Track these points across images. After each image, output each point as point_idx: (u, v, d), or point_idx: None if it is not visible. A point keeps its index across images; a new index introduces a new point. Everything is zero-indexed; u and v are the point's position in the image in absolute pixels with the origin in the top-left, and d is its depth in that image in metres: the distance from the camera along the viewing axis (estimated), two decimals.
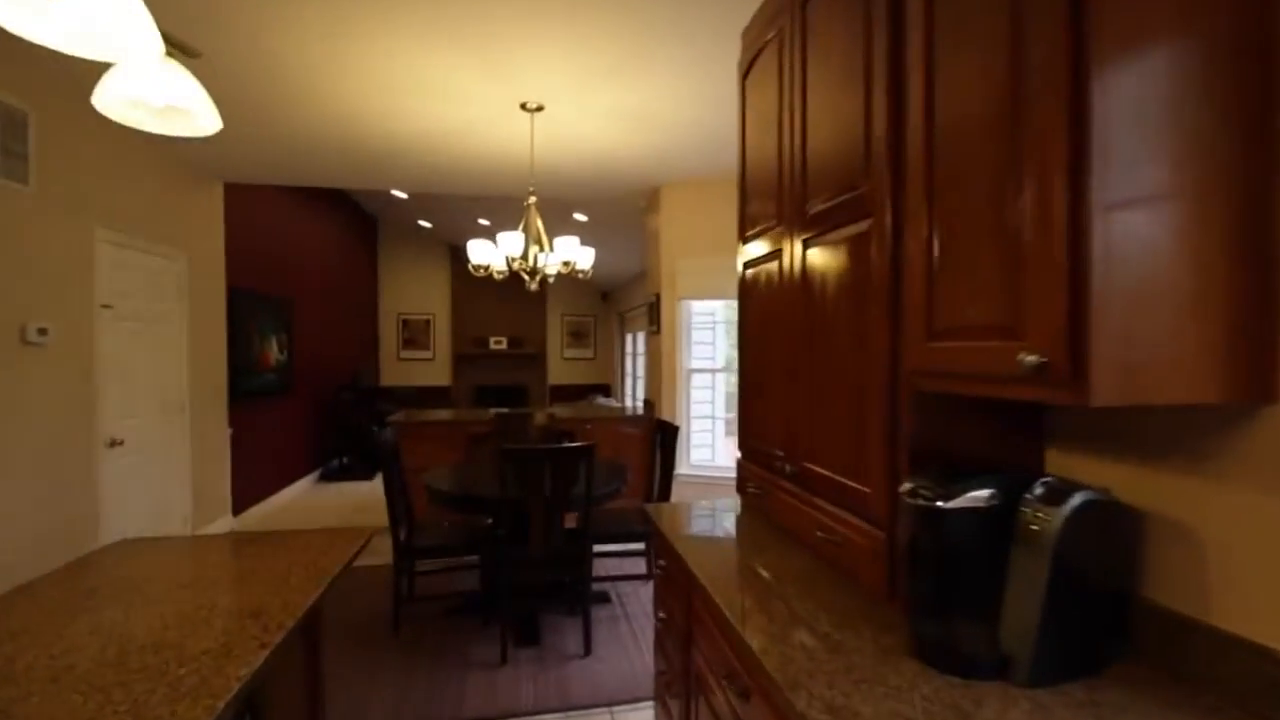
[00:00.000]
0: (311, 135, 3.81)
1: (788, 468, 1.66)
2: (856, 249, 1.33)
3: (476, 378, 10.87)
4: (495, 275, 3.38)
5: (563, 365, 11.40)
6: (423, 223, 9.49)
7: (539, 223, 3.23)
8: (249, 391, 5.66)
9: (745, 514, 1.96)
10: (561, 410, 5.43)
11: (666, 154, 4.07)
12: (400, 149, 4.01)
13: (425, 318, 10.76)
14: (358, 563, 4.23)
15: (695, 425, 4.76)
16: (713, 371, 4.79)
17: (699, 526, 1.87)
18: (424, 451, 4.66)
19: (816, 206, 1.51)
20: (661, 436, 3.51)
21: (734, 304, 4.90)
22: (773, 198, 1.78)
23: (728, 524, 1.91)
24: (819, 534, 1.47)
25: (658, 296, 4.80)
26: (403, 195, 7.83)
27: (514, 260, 3.00)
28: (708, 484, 4.64)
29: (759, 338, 1.93)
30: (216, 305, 4.67)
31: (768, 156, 1.82)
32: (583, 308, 11.48)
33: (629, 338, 10.02)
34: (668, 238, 4.70)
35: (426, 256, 10.72)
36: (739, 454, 2.11)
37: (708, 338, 4.80)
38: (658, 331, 4.83)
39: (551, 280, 3.44)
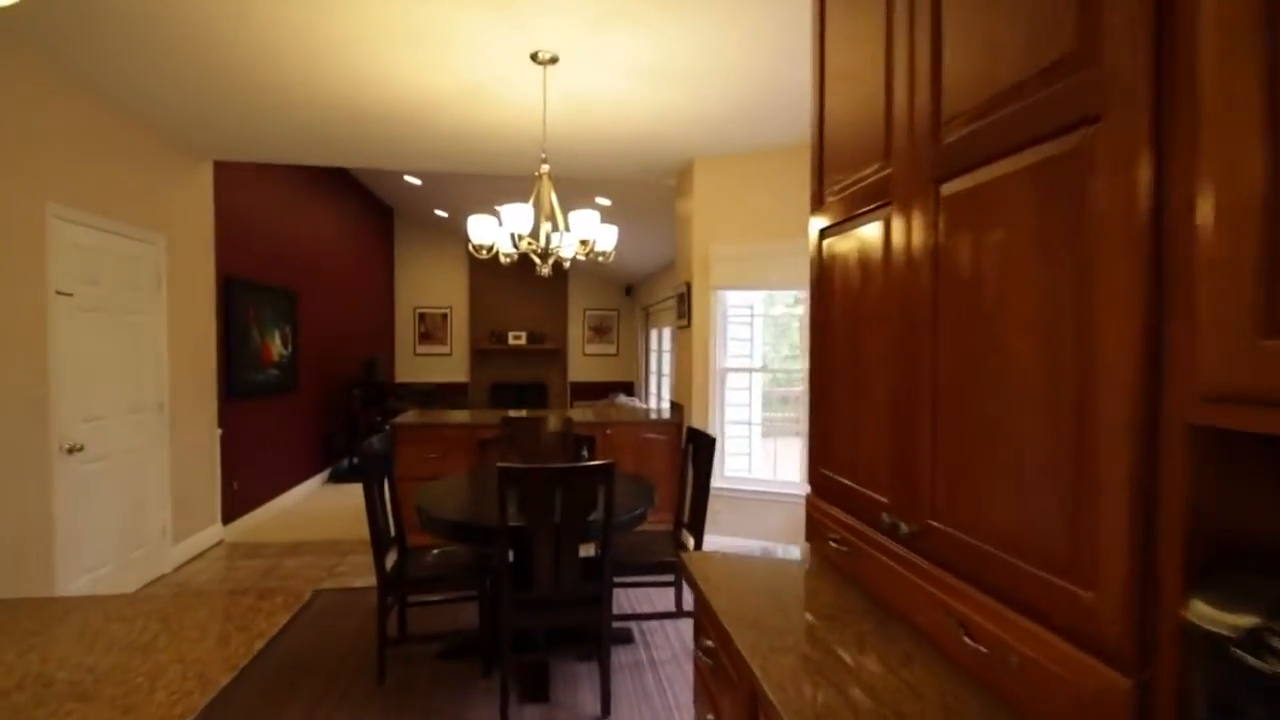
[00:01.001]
0: (304, 105, 3.36)
1: (902, 526, 1.12)
2: (1058, 181, 0.79)
3: (494, 374, 10.46)
4: (502, 259, 2.89)
5: (584, 362, 10.93)
6: (439, 212, 9.08)
7: (552, 196, 2.73)
8: (247, 389, 5.28)
9: (821, 577, 1.43)
10: (579, 412, 4.94)
11: (700, 122, 3.53)
12: (401, 118, 3.54)
13: (442, 311, 10.38)
14: (345, 584, 3.81)
15: (730, 431, 4.22)
16: (750, 371, 4.25)
17: (758, 594, 1.35)
18: (427, 458, 4.21)
19: (961, 130, 0.97)
20: (695, 448, 2.99)
21: (776, 295, 4.37)
22: (876, 135, 1.24)
23: (798, 590, 1.38)
24: (965, 640, 0.94)
25: (688, 286, 4.28)
26: (416, 181, 7.41)
27: (521, 239, 2.50)
28: (743, 499, 4.10)
29: (845, 331, 1.39)
30: (204, 295, 4.27)
31: (866, 78, 1.28)
32: (606, 302, 10.99)
33: (654, 334, 9.50)
34: (701, 220, 4.16)
35: (444, 248, 10.33)
36: (809, 487, 1.58)
37: (744, 333, 4.26)
38: (687, 325, 4.30)
39: (567, 264, 2.94)
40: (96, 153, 3.23)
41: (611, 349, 11.02)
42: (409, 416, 4.58)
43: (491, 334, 10.39)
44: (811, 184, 1.54)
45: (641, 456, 4.46)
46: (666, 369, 8.59)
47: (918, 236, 1.09)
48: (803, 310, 4.02)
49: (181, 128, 3.69)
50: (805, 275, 3.51)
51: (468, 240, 2.66)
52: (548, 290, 10.60)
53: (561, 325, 10.70)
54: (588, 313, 10.92)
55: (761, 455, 4.32)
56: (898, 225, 1.15)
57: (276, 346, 5.87)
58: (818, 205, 1.51)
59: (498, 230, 2.67)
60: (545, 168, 2.72)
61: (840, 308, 1.40)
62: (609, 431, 4.39)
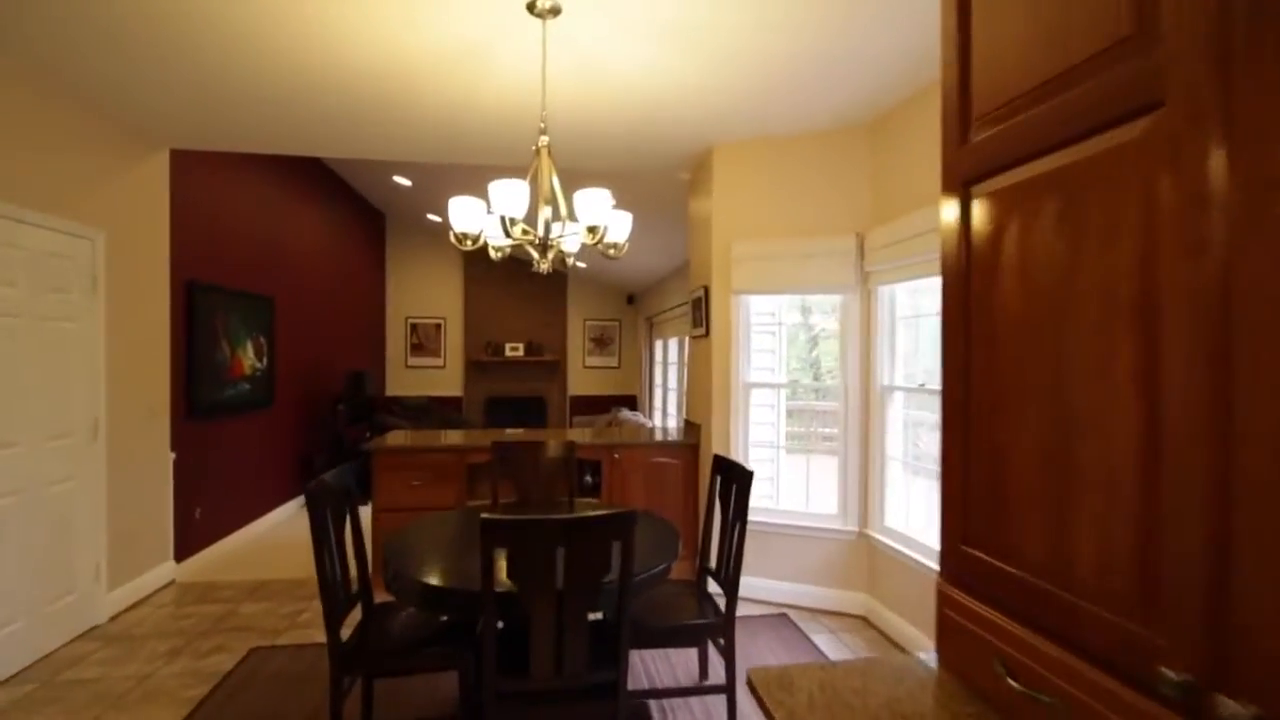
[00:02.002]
0: (270, 81, 2.86)
1: (1223, 705, 0.59)
2: None
3: (491, 388, 9.94)
4: (491, 253, 2.38)
5: (584, 375, 10.41)
6: (432, 216, 8.60)
7: (553, 177, 2.22)
8: (213, 406, 4.74)
9: None
10: (581, 433, 4.41)
11: (725, 95, 3.04)
12: (380, 93, 3.05)
13: (436, 321, 9.87)
14: (307, 636, 3.23)
15: (754, 454, 3.70)
16: (775, 387, 3.73)
17: None
18: (411, 486, 3.67)
19: None
20: (726, 482, 2.46)
21: (806, 301, 3.85)
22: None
23: None
24: None
25: (705, 291, 3.77)
26: (406, 182, 6.93)
27: (514, 226, 1.99)
28: (771, 534, 3.57)
29: (1028, 332, 0.87)
30: (156, 300, 3.75)
31: None
32: (607, 311, 10.49)
33: (659, 345, 8.99)
34: (721, 216, 3.66)
35: (437, 255, 9.84)
36: (940, 576, 1.05)
37: (767, 343, 3.75)
38: (705, 335, 3.79)
39: (570, 260, 2.42)
40: (7, 132, 2.73)
41: (613, 361, 10.50)
42: (392, 439, 4.05)
43: (487, 345, 9.87)
44: (948, 113, 1.02)
45: (653, 484, 3.93)
46: (673, 383, 8.07)
47: (1216, 164, 0.58)
48: (837, 318, 3.51)
49: (123, 106, 3.19)
50: (847, 276, 3.00)
51: (455, 239, 2.15)
52: (546, 299, 10.11)
53: (560, 336, 10.19)
54: (588, 323, 10.42)
55: (790, 483, 3.79)
56: (1159, 147, 0.64)
57: (249, 359, 5.34)
58: (958, 145, 1.00)
59: (485, 217, 2.16)
60: (545, 139, 2.22)
61: (1017, 296, 0.88)
62: (617, 456, 3.86)
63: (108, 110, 3.21)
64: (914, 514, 3.27)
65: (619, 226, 2.25)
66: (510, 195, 1.97)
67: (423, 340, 9.84)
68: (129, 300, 3.45)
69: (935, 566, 1.47)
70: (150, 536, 3.66)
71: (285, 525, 5.78)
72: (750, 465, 3.65)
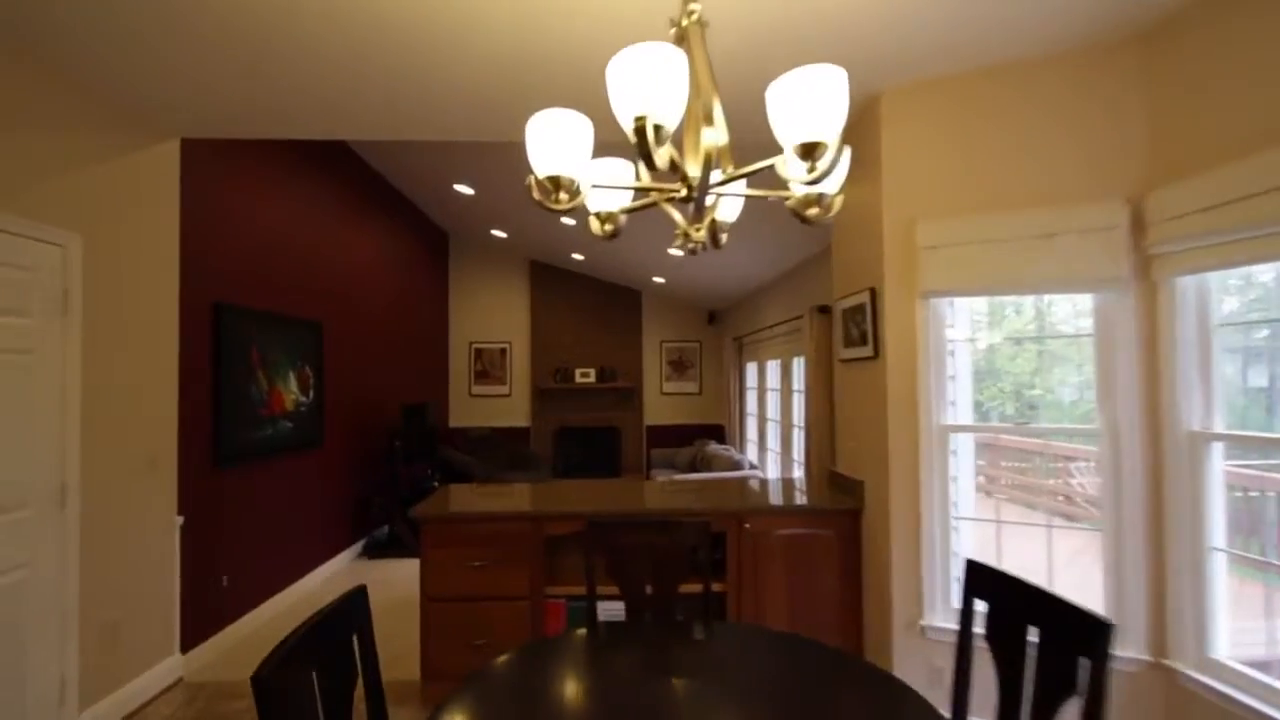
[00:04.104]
0: (296, 38, 2.04)
1: None
2: None
3: (560, 417, 9.06)
4: (595, 225, 1.39)
5: (662, 402, 9.39)
6: (496, 232, 7.88)
7: (711, 84, 1.21)
8: (247, 449, 3.99)
9: None
10: (685, 494, 3.36)
11: (900, 9, 1.99)
12: (433, 36, 2.17)
13: (501, 346, 9.12)
14: None
15: (954, 525, 2.54)
16: (989, 430, 2.58)
17: None
18: (469, 569, 2.71)
19: None
20: (1006, 619, 1.35)
21: (1000, 303, 2.65)
22: None
23: None
24: None
25: (871, 295, 2.67)
26: (468, 190, 6.19)
27: (658, 146, 1.00)
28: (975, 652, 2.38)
29: None
30: (159, 325, 2.99)
31: None
32: (685, 333, 9.47)
33: (750, 369, 7.87)
34: (898, 185, 2.57)
35: (502, 273, 9.13)
36: None
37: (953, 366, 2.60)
38: (874, 357, 2.68)
39: (724, 236, 1.39)
40: None
41: (693, 387, 9.45)
42: (453, 496, 3.13)
43: (556, 372, 9.02)
44: None
45: (798, 564, 2.82)
46: (772, 412, 6.92)
47: None
48: (1094, 321, 2.34)
49: (104, 70, 2.44)
50: (1109, 264, 1.86)
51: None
52: (619, 320, 9.21)
53: (635, 361, 9.24)
54: (665, 345, 9.43)
55: (1008, 556, 2.60)
56: None
57: (292, 392, 4.60)
58: None
59: (585, 145, 1.17)
60: (695, 7, 1.22)
61: None
62: (747, 526, 2.78)
63: (84, 76, 2.47)
64: (1250, 637, 2.04)
65: (840, 167, 1.21)
66: (652, 72, 0.97)
67: (487, 367, 9.10)
68: (118, 324, 2.68)
69: None
70: (144, 629, 2.84)
71: (342, 579, 4.98)
72: (959, 542, 2.50)
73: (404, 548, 5.72)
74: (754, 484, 3.55)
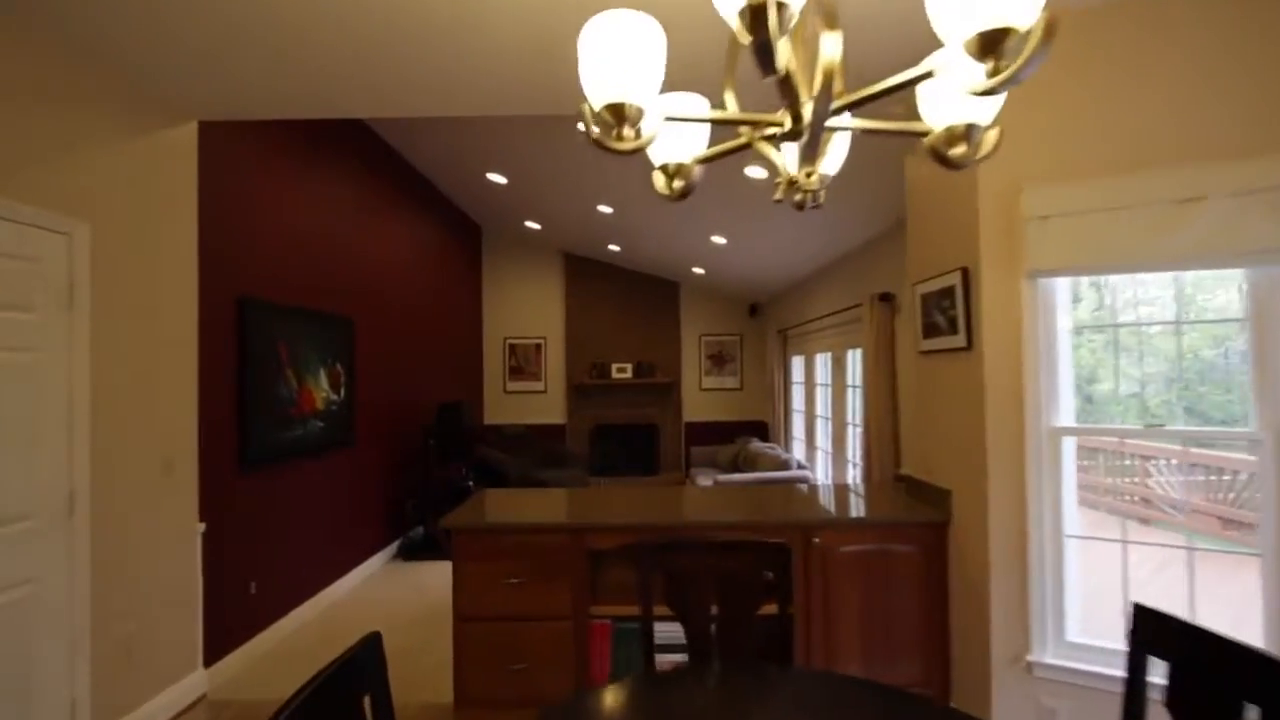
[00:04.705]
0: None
1: None
2: None
3: (596, 414, 8.81)
4: (659, 182, 1.09)
5: (701, 398, 9.05)
6: (530, 224, 7.65)
7: None
8: (276, 450, 3.83)
9: None
10: (739, 503, 3.04)
11: None
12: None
13: (536, 342, 8.91)
14: None
15: (1070, 546, 2.16)
16: (1091, 433, 2.19)
17: None
18: (505, 585, 2.45)
19: None
20: (1183, 686, 0.99)
21: (1146, 286, 2.15)
22: None
23: None
24: None
25: (963, 276, 2.30)
26: (501, 180, 5.95)
27: (778, 33, 0.71)
28: (1091, 692, 2.00)
29: None
30: (176, 319, 2.80)
31: None
32: (725, 325, 9.11)
33: (795, 363, 7.48)
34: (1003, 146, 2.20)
35: (536, 267, 8.91)
36: None
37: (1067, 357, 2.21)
38: (966, 348, 2.31)
39: (821, 195, 1.07)
40: None
41: (734, 382, 9.09)
42: (477, 510, 2.89)
43: (593, 367, 8.77)
44: None
45: (873, 585, 2.48)
46: (821, 409, 6.52)
47: None
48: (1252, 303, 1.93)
49: (118, 54, 2.24)
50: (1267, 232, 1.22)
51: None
52: (656, 313, 8.90)
53: (674, 355, 8.92)
54: (704, 339, 9.08)
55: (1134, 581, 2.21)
56: None
57: (322, 391, 4.43)
58: None
59: (655, 72, 0.86)
60: None
61: None
62: (816, 540, 2.45)
63: (91, 51, 2.27)
64: None
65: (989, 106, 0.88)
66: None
67: (522, 363, 8.91)
68: (130, 319, 2.49)
69: None
70: (163, 643, 2.66)
71: (375, 583, 4.82)
72: (1069, 563, 2.13)
73: (439, 550, 5.54)
74: (808, 489, 3.21)
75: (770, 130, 0.92)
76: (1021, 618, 2.16)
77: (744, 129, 0.94)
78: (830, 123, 0.91)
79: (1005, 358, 2.20)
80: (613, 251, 7.99)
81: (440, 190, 6.93)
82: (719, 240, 6.01)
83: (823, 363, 6.37)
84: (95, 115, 2.36)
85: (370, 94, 2.67)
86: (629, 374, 8.70)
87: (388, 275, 5.63)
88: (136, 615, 2.48)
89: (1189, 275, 2.12)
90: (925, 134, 0.96)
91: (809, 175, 0.88)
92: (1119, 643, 2.06)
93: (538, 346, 8.91)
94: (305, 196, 4.29)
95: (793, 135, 0.90)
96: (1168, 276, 2.15)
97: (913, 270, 2.77)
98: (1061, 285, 2.18)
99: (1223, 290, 2.28)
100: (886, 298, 4.31)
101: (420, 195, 6.42)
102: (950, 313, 2.41)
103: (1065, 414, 2.16)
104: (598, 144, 0.87)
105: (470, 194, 6.90)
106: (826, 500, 2.89)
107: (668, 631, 2.43)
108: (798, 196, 0.90)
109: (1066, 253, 2.07)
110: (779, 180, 0.92)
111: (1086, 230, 2.04)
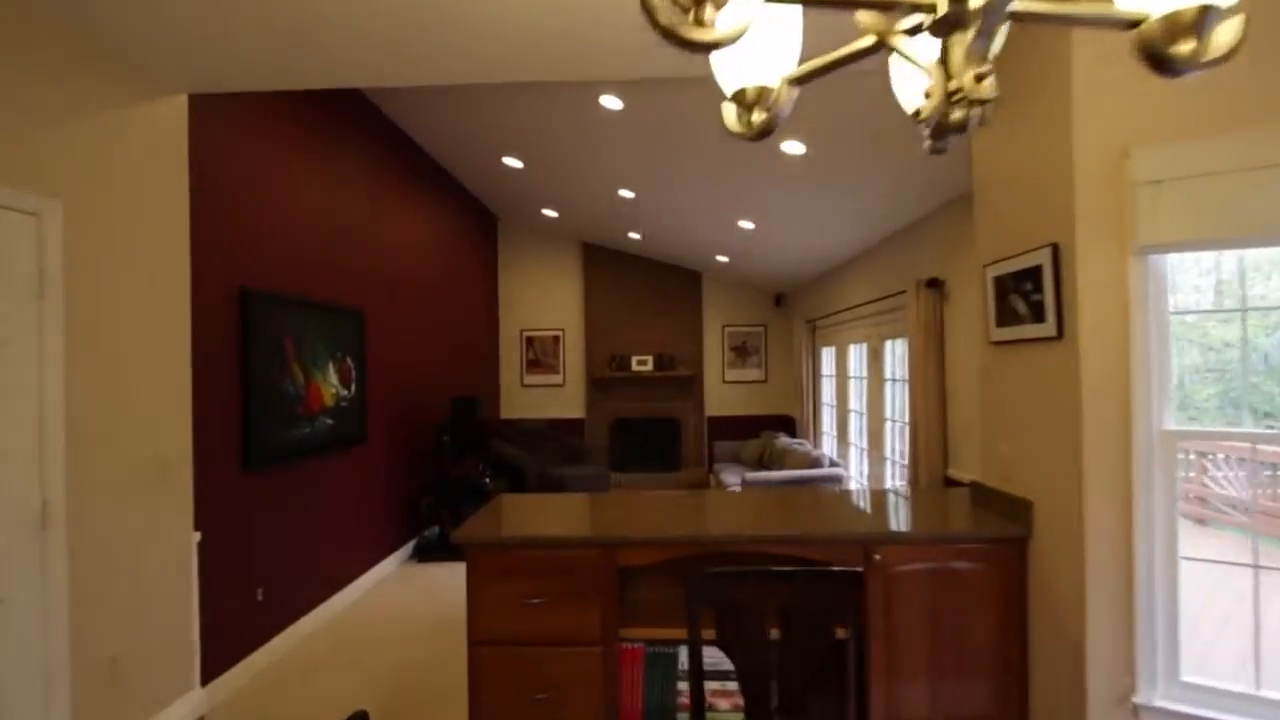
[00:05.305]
0: None
1: None
2: None
3: (615, 408, 8.55)
4: (775, 96, 0.80)
5: (724, 391, 8.75)
6: (547, 212, 7.38)
7: None
8: (281, 450, 3.62)
9: None
10: (780, 510, 2.75)
11: None
12: None
13: (553, 334, 8.66)
14: None
15: (1186, 573, 1.85)
16: (1216, 437, 1.87)
17: None
18: (524, 606, 2.19)
19: None
20: None
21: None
22: None
23: None
24: None
25: (1053, 254, 1.98)
26: (517, 164, 5.68)
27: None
28: None
29: None
30: (168, 309, 2.57)
31: None
32: (749, 316, 8.79)
33: (825, 355, 7.14)
34: (1103, 94, 1.86)
35: (554, 257, 8.64)
36: None
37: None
38: (1056, 337, 1.99)
39: (978, 118, 0.76)
40: None
41: (758, 375, 8.77)
42: (493, 520, 2.64)
43: (612, 360, 8.50)
44: None
45: (943, 606, 2.18)
46: (854, 404, 6.19)
47: None
48: None
49: (95, 15, 1.99)
50: None
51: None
52: (678, 304, 8.60)
53: (695, 347, 8.62)
54: (727, 330, 8.77)
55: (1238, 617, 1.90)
56: None
57: (331, 386, 4.22)
58: None
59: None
60: None
61: None
62: (878, 557, 2.16)
63: (63, 10, 2.03)
64: None
65: None
66: None
67: (539, 355, 8.66)
68: (111, 309, 2.26)
69: None
70: (155, 663, 2.44)
71: (389, 587, 4.63)
72: (1184, 594, 1.81)
73: (455, 550, 5.32)
74: (856, 494, 2.91)
75: (912, 21, 0.63)
76: (1125, 651, 1.85)
77: (868, 18, 0.65)
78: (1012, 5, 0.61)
79: (1106, 349, 1.87)
80: (633, 240, 7.69)
81: (455, 178, 6.68)
82: (746, 225, 5.69)
83: (856, 354, 6.03)
84: (69, 85, 2.12)
85: (370, 62, 2.40)
86: (649, 366, 8.42)
87: (400, 266, 5.40)
88: (124, 634, 2.26)
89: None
90: (1135, 23, 0.66)
91: (980, 79, 0.59)
92: (1247, 685, 1.75)
93: (555, 339, 8.66)
94: (314, 184, 4.06)
95: (948, 25, 0.61)
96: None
97: (983, 249, 2.44)
98: (1177, 264, 1.86)
99: None
100: (935, 283, 3.97)
101: (434, 183, 6.18)
102: (1034, 297, 2.08)
103: (1172, 415, 1.84)
104: (666, 33, 0.58)
105: (485, 181, 6.65)
106: (881, 508, 2.59)
107: (712, 655, 2.16)
108: (957, 114, 0.61)
109: (1186, 223, 1.74)
110: (929, 90, 0.63)
111: (1212, 196, 1.71)
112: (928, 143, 0.72)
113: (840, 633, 1.51)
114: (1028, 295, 2.12)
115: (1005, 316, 2.27)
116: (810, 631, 1.43)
